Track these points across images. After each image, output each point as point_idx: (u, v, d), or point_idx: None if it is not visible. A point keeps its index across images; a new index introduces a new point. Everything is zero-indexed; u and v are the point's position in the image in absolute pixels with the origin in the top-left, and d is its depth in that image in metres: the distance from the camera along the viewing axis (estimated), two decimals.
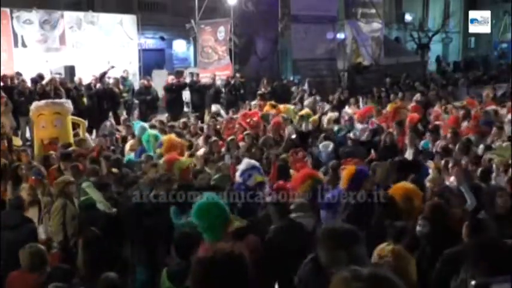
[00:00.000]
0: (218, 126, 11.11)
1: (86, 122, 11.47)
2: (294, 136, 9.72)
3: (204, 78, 16.52)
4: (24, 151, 8.73)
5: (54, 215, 5.89)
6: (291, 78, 20.45)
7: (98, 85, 13.57)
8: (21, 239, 5.01)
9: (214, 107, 13.97)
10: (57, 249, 5.77)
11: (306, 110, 12.00)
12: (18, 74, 12.98)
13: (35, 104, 10.12)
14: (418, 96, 14.30)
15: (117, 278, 4.02)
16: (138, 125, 10.11)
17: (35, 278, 4.27)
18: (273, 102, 13.06)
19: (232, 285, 2.06)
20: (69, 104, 10.31)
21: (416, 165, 6.89)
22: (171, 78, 15.69)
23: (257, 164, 6.55)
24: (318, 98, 14.99)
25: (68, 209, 5.88)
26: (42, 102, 10.27)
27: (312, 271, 3.07)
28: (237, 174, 6.40)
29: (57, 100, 10.80)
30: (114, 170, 7.15)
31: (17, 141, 9.54)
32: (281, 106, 12.48)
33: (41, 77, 13.07)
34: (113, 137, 10.39)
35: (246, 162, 6.47)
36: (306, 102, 14.47)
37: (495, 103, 12.63)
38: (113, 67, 14.20)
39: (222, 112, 13.56)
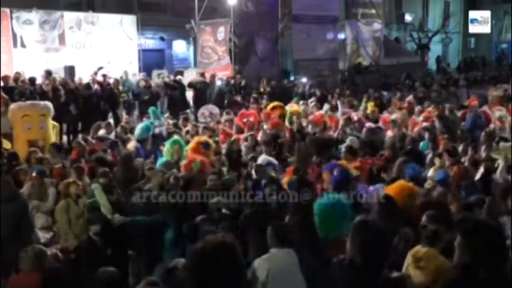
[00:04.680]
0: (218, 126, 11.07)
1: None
2: None
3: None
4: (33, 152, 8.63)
5: (60, 216, 5.98)
6: (291, 79, 20.44)
7: (96, 86, 13.59)
8: (19, 209, 5.65)
9: (206, 109, 13.95)
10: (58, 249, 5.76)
11: (297, 108, 11.97)
12: (18, 74, 12.97)
13: (17, 105, 9.99)
14: (411, 97, 14.37)
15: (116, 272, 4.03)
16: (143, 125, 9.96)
17: (38, 279, 4.26)
18: (276, 103, 12.87)
19: (225, 274, 2.08)
20: (51, 106, 10.16)
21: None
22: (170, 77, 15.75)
23: (273, 160, 6.53)
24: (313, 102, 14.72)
25: (71, 209, 5.96)
26: (27, 103, 10.18)
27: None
28: (253, 170, 6.37)
29: (39, 102, 10.52)
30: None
31: (7, 145, 9.38)
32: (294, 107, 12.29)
33: (49, 73, 13.06)
34: (108, 141, 10.06)
35: (262, 158, 6.45)
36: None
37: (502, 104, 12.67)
38: (101, 67, 14.12)
39: (216, 112, 13.53)
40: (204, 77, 15.96)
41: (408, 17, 33.18)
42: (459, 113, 11.74)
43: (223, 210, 5.51)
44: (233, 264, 2.12)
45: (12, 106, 9.96)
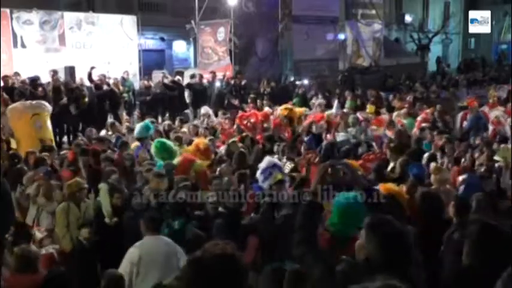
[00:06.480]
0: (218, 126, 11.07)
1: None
2: None
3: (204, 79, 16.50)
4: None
5: (58, 217, 5.93)
6: (292, 79, 20.46)
7: (104, 87, 13.60)
8: None
9: (204, 109, 13.95)
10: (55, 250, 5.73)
11: (300, 110, 11.99)
12: (17, 74, 12.97)
13: (27, 103, 10.06)
14: (410, 98, 14.40)
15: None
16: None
17: (29, 279, 4.22)
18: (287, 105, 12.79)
19: (223, 287, 1.99)
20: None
21: None
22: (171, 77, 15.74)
23: (278, 162, 6.53)
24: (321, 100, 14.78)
25: (71, 212, 5.90)
26: (35, 102, 10.29)
27: None
28: (258, 172, 6.34)
29: (43, 101, 10.61)
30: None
31: (14, 144, 9.43)
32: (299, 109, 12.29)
33: (56, 72, 13.10)
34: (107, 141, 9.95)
35: (267, 160, 6.43)
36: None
37: (501, 105, 12.69)
38: (93, 67, 14.13)
39: (212, 113, 13.52)
40: (201, 77, 15.96)
41: (408, 18, 33.18)
42: (459, 114, 11.77)
43: (220, 209, 5.50)
44: (232, 277, 2.01)
45: (18, 105, 9.98)
